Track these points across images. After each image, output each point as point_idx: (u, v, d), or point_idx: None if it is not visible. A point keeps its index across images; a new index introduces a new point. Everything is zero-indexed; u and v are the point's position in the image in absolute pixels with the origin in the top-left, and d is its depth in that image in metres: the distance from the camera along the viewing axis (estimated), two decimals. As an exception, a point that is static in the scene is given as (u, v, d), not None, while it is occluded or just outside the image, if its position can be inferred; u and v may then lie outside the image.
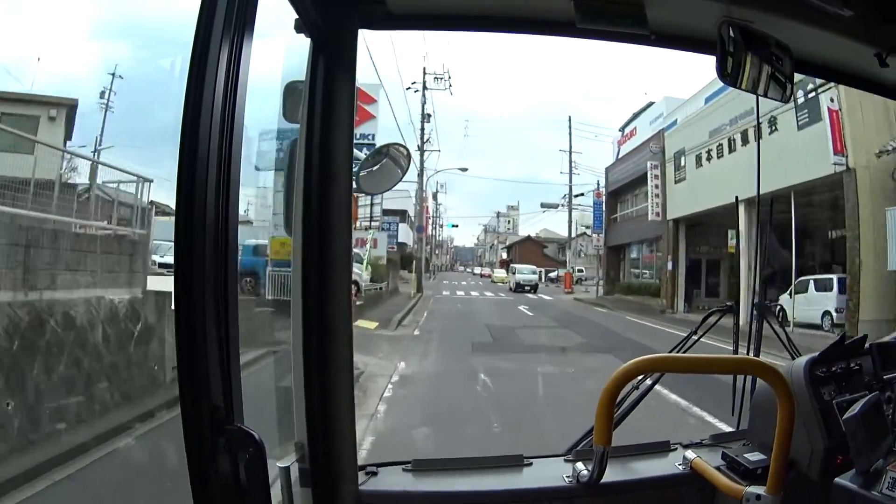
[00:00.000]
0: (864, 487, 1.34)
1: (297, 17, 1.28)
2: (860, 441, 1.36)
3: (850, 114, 13.29)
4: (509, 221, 71.07)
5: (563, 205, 37.88)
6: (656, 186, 22.83)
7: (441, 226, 59.95)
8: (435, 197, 52.03)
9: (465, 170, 30.92)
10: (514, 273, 35.45)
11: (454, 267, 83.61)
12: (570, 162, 36.53)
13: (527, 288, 33.21)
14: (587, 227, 52.36)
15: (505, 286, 37.87)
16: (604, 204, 31.48)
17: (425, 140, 29.04)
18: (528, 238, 63.24)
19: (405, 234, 34.88)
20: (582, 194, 36.28)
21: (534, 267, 37.85)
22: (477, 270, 66.37)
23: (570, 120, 39.11)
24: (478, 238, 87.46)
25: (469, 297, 27.14)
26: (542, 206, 39.44)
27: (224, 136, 0.93)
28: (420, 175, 29.04)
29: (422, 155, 28.60)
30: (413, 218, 31.92)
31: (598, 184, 33.37)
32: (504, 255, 64.37)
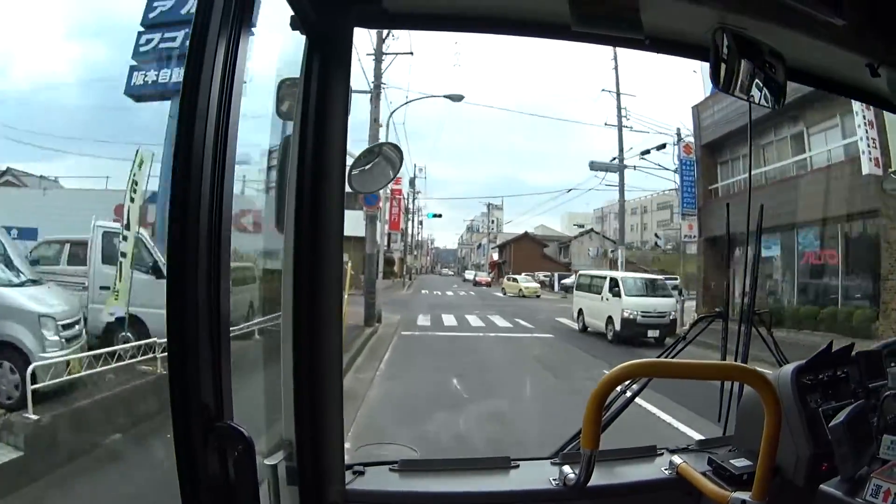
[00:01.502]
0: (849, 494, 1.36)
1: (293, 14, 1.28)
2: (845, 448, 1.38)
3: None
4: (493, 221, 63.35)
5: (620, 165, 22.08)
6: (867, 108, 11.29)
7: (420, 222, 49.02)
8: (412, 183, 39.55)
9: (459, 98, 16.10)
10: (614, 293, 14.35)
11: (436, 269, 75.33)
12: (619, 107, 22.47)
13: (650, 335, 13.50)
14: (581, 226, 47.34)
15: (516, 302, 24.11)
16: (695, 166, 18.70)
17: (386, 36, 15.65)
18: (526, 235, 52.70)
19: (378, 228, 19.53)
20: (663, 146, 19.91)
21: (661, 279, 16.25)
22: (469, 275, 49.35)
23: (615, 52, 21.59)
24: (461, 237, 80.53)
25: (476, 338, 13.91)
26: (592, 167, 22.21)
27: (219, 132, 0.93)
28: (376, 84, 15.46)
29: (378, 56, 15.66)
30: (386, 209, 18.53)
31: (679, 133, 19.51)
32: (495, 256, 57.72)
